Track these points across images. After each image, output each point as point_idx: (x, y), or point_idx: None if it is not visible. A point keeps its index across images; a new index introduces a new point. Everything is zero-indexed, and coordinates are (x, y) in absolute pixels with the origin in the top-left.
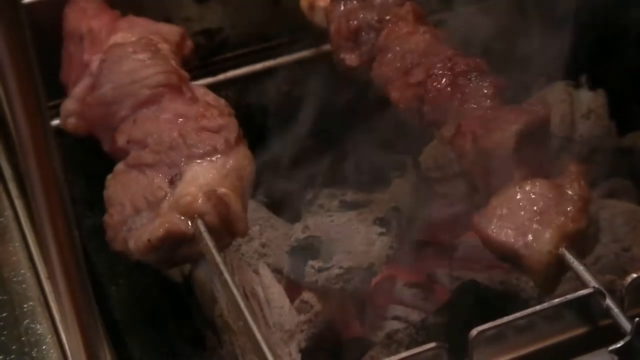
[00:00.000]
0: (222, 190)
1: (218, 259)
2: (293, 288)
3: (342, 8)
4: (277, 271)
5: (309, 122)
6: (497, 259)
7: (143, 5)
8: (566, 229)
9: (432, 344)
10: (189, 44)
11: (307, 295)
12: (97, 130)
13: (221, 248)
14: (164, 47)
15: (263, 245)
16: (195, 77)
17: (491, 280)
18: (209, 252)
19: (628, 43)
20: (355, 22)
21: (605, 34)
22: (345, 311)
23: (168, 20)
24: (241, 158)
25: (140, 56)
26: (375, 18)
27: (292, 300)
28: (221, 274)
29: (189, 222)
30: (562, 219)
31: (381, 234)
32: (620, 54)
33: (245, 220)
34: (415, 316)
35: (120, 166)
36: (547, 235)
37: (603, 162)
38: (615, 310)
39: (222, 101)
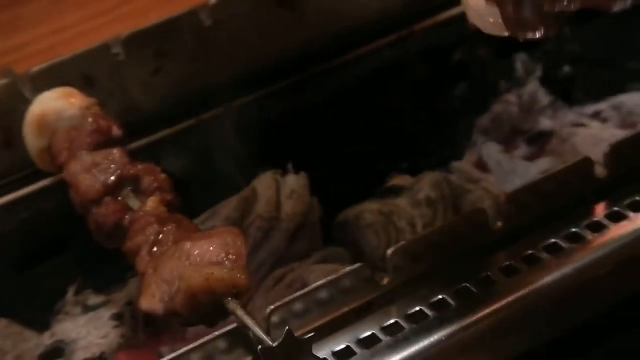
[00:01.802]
0: None
1: None
2: None
3: None
4: None
5: (54, 242)
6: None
7: None
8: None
9: None
10: None
11: None
12: None
13: None
14: None
15: (17, 358)
16: None
17: None
18: None
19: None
20: None
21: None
22: None
23: None
24: None
25: None
26: None
27: None
28: None
29: None
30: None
31: (115, 327)
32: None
33: None
34: None
35: None
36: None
37: (312, 234)
38: (257, 333)
39: None
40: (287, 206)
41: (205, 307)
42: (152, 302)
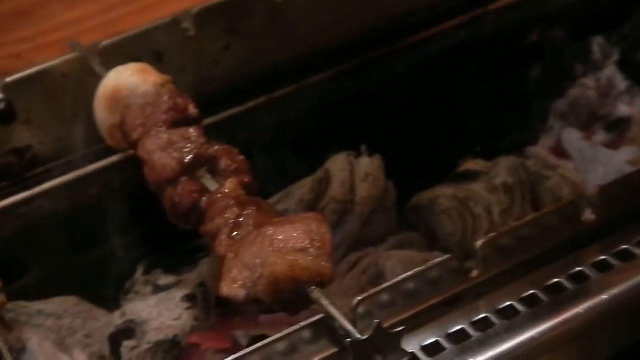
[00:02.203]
0: None
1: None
2: None
3: None
4: (101, 357)
5: (121, 220)
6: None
7: None
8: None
9: None
10: None
11: None
12: None
13: None
14: None
15: (87, 336)
16: (11, 193)
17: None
18: None
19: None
20: None
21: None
22: None
23: None
24: None
25: None
26: None
27: None
28: None
29: None
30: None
31: (187, 308)
32: (404, 123)
33: None
34: None
35: None
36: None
37: (387, 219)
38: (344, 325)
39: None
40: (361, 189)
41: (287, 295)
42: (233, 287)
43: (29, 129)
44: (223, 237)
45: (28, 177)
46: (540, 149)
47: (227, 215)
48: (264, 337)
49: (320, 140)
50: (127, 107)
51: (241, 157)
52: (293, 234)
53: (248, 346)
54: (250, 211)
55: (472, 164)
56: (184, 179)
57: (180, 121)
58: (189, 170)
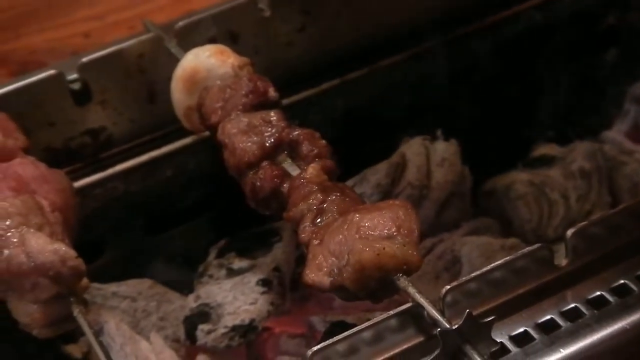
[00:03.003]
0: None
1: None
2: (192, 353)
3: None
4: (175, 340)
5: (194, 202)
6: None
7: (25, 114)
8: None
9: None
10: None
11: (201, 357)
12: None
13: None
14: None
15: (161, 319)
16: (86, 174)
17: (359, 319)
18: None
19: (480, 96)
20: None
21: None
22: None
23: (52, 124)
24: None
25: None
26: None
27: None
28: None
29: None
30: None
31: (263, 293)
32: (476, 106)
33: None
34: None
35: None
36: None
37: (462, 204)
38: (432, 314)
39: None
40: (437, 174)
41: (373, 283)
42: (318, 274)
43: (104, 109)
44: (307, 223)
45: (103, 158)
46: (616, 134)
47: (310, 201)
48: (342, 323)
49: (395, 123)
50: (205, 89)
51: (323, 142)
52: (380, 221)
53: (326, 332)
54: (334, 197)
55: (547, 149)
56: (265, 163)
57: (260, 104)
58: (270, 154)
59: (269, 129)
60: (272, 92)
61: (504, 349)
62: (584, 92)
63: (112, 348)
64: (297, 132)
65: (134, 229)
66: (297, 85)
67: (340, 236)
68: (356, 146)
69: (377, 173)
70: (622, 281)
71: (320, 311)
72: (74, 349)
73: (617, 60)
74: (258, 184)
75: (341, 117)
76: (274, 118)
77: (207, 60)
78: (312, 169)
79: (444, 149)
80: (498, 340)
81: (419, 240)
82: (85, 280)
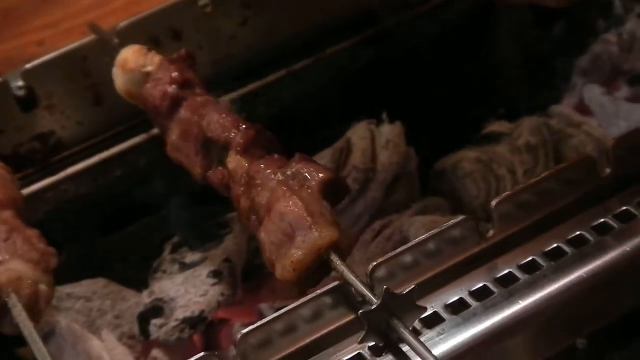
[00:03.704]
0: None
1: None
2: (147, 348)
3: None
4: (131, 337)
5: (146, 200)
6: None
7: None
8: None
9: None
10: None
11: (155, 352)
12: None
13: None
14: None
15: (116, 317)
16: (37, 179)
17: None
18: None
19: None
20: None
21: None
22: None
23: (1, 132)
24: None
25: None
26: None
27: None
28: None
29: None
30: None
31: (214, 284)
32: (426, 87)
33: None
34: None
35: None
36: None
37: (410, 185)
38: (361, 291)
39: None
40: (382, 156)
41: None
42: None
43: (51, 114)
44: (252, 216)
45: (53, 162)
46: (564, 107)
47: (243, 198)
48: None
49: (342, 109)
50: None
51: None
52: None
53: None
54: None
55: (496, 126)
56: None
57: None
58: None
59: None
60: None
61: (438, 317)
62: (532, 67)
63: (63, 348)
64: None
65: (88, 229)
66: (244, 79)
67: (272, 237)
68: (306, 136)
69: (323, 159)
70: (555, 245)
71: (271, 298)
72: (25, 352)
73: (564, 33)
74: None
75: (289, 108)
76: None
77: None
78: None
79: (388, 131)
80: (433, 310)
81: (332, 217)
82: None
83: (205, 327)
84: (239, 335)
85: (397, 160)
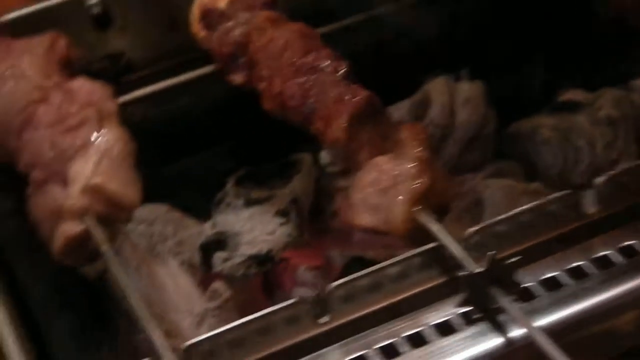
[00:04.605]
0: (96, 180)
1: (109, 252)
2: (206, 280)
3: (214, 35)
4: (191, 266)
5: (212, 131)
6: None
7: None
8: (412, 195)
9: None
10: (62, 42)
11: (216, 284)
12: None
13: (118, 230)
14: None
15: (177, 244)
16: None
17: (378, 256)
18: (103, 245)
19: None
20: (227, 47)
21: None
22: (256, 295)
23: None
24: (110, 139)
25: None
26: (242, 35)
27: (205, 291)
28: (114, 264)
29: (80, 223)
30: (406, 186)
31: (281, 224)
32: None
33: (128, 194)
34: None
35: (28, 191)
36: (397, 207)
37: (485, 146)
38: (458, 257)
39: (87, 89)
40: (462, 114)
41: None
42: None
43: (124, 35)
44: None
45: (121, 83)
46: None
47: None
48: (361, 259)
49: (419, 62)
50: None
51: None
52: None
53: (345, 266)
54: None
55: (572, 94)
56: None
57: None
58: None
59: None
60: None
61: (530, 293)
62: (613, 38)
63: (127, 270)
64: None
65: (153, 155)
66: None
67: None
68: (381, 84)
69: (400, 110)
70: None
71: (338, 245)
72: (88, 269)
73: None
74: None
75: (367, 53)
76: None
77: None
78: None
79: (467, 90)
80: (526, 285)
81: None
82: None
83: None
84: (328, 288)
85: (477, 120)
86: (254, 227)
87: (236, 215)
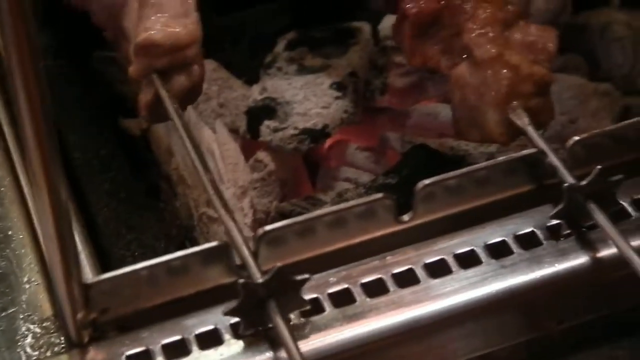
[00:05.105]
0: (139, 38)
1: (174, 114)
2: (248, 147)
3: None
4: (233, 131)
5: None
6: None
7: None
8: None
9: (380, 195)
10: None
11: (261, 155)
12: None
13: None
14: None
15: (220, 105)
16: None
17: (441, 145)
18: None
19: None
20: None
21: None
22: (298, 171)
23: None
24: None
25: None
26: None
27: (247, 159)
28: (177, 128)
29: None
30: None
31: (337, 97)
32: None
33: (180, 33)
34: (365, 178)
35: None
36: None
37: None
38: (559, 166)
39: None
40: (538, 1)
41: None
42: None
43: None
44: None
45: None
46: None
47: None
48: (424, 147)
49: None
50: None
51: None
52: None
53: (406, 153)
54: None
55: None
56: None
57: None
58: None
59: None
60: None
61: (625, 212)
62: None
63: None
64: None
65: (203, 5)
66: None
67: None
68: None
69: None
70: None
71: (394, 128)
72: (132, 124)
73: None
74: None
75: None
76: None
77: None
78: None
79: None
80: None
81: None
82: None
83: None
84: (420, 186)
85: (554, 8)
86: (308, 97)
87: (288, 82)
